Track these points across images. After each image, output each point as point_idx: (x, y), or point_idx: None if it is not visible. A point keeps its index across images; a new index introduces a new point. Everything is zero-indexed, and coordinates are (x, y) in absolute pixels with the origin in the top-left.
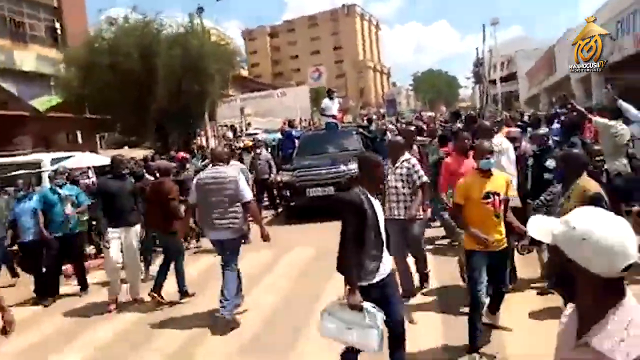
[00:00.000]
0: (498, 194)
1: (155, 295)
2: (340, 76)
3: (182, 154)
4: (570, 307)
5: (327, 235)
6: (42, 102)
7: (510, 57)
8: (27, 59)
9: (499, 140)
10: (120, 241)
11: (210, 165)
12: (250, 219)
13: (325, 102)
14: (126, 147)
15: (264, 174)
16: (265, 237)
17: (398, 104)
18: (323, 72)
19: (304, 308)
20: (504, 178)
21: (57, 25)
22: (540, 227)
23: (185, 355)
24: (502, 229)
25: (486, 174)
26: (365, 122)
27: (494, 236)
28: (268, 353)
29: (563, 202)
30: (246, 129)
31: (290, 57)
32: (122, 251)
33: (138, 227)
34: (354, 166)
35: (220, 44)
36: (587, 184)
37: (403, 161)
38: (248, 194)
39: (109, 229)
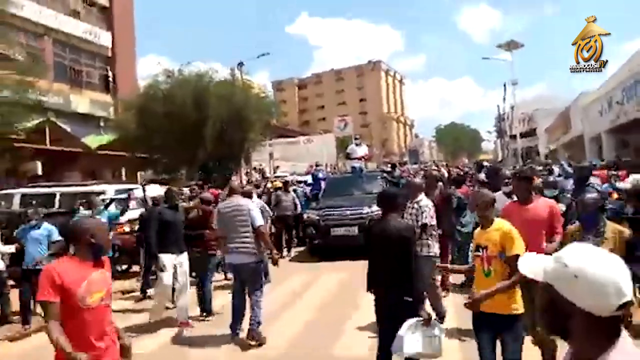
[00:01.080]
0: (485, 248)
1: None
2: (364, 126)
3: (214, 190)
4: (566, 349)
5: (348, 271)
6: (93, 140)
7: (530, 115)
8: (82, 102)
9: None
10: (175, 266)
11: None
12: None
13: (352, 147)
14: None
15: (287, 210)
16: (274, 262)
17: (421, 154)
18: (349, 122)
19: (329, 333)
20: (504, 231)
21: (110, 73)
22: (532, 264)
23: None
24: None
25: (484, 225)
26: (389, 167)
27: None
28: None
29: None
30: (274, 172)
31: (317, 108)
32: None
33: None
34: (377, 208)
35: (260, 96)
36: (617, 226)
37: (415, 202)
38: (259, 220)
39: (162, 255)
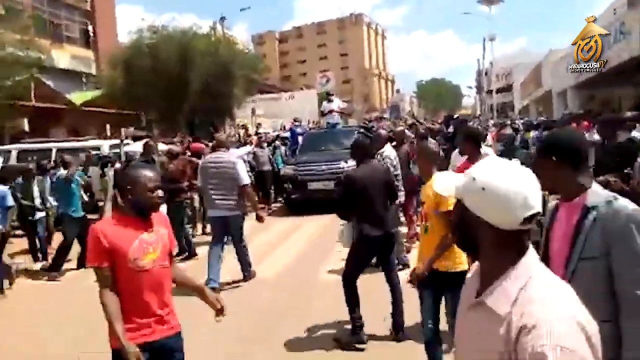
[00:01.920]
0: (424, 204)
1: None
2: (346, 82)
3: (197, 144)
4: (475, 266)
5: (328, 220)
6: (78, 97)
7: (510, 70)
8: (63, 57)
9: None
10: None
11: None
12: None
13: (324, 104)
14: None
15: (263, 165)
16: (259, 219)
17: (402, 110)
18: (331, 77)
19: (314, 263)
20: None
21: (90, 27)
22: (446, 182)
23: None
24: (433, 246)
25: (426, 180)
26: (367, 123)
27: (423, 253)
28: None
29: None
30: (257, 129)
31: (297, 62)
32: None
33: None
34: (353, 163)
35: (245, 53)
36: None
37: (379, 153)
38: (245, 179)
39: None
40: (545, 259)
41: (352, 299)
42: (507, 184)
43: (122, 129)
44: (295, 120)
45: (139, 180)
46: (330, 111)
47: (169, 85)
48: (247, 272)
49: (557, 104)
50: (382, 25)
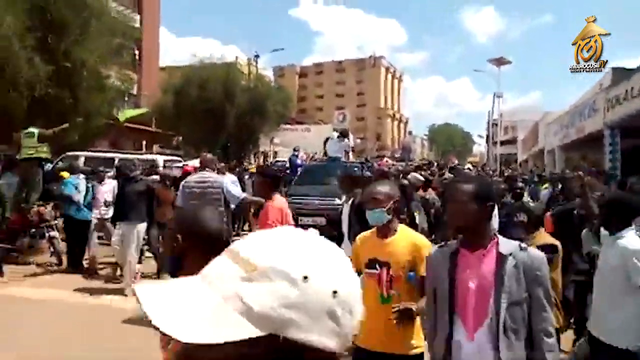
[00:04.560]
0: (388, 266)
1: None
2: (360, 119)
3: (189, 166)
4: None
5: None
6: (123, 114)
7: (515, 124)
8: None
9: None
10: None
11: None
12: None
13: (330, 142)
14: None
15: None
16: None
17: (413, 152)
18: (347, 115)
19: None
20: (416, 244)
21: (136, 52)
22: None
23: None
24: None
25: (382, 232)
26: (367, 160)
27: (375, 329)
28: None
29: None
30: (274, 157)
31: (315, 97)
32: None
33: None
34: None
35: (281, 90)
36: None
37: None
38: (239, 193)
39: (118, 223)
40: (452, 306)
41: None
42: None
43: (154, 146)
44: (294, 149)
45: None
46: (348, 150)
47: (211, 113)
48: None
49: (548, 161)
50: (400, 68)
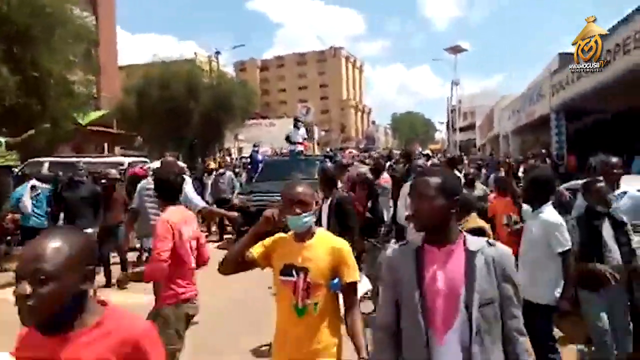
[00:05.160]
0: (306, 272)
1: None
2: (324, 112)
3: (136, 169)
4: None
5: None
6: (86, 116)
7: (474, 110)
8: None
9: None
10: None
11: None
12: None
13: (291, 129)
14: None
15: (223, 193)
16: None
17: (377, 140)
18: (311, 109)
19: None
20: (338, 248)
21: (93, 51)
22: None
23: None
24: (319, 336)
25: (300, 235)
26: (330, 152)
27: (289, 342)
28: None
29: None
30: (239, 153)
31: (278, 90)
32: None
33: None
34: None
35: (244, 86)
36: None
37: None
38: (199, 202)
39: None
40: (423, 308)
41: None
42: None
43: (116, 148)
44: (254, 145)
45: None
46: (298, 143)
47: (174, 112)
48: None
49: (502, 146)
50: (360, 58)
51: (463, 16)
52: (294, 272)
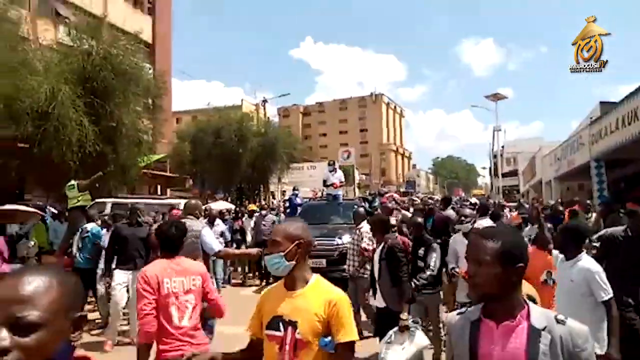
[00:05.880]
0: (295, 326)
1: None
2: (364, 156)
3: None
4: None
5: None
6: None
7: (516, 156)
8: None
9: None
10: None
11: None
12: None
13: (326, 172)
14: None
15: (265, 234)
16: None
17: (417, 185)
18: (352, 152)
19: None
20: (333, 301)
21: (150, 102)
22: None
23: None
24: None
25: (289, 283)
26: (369, 196)
27: None
28: None
29: None
30: (282, 195)
31: (319, 135)
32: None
33: None
34: (347, 239)
35: (290, 134)
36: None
37: (358, 228)
38: (215, 245)
39: (116, 271)
40: None
41: None
42: None
43: (168, 190)
44: (294, 189)
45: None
46: (334, 185)
47: (225, 157)
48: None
49: (545, 192)
50: (400, 103)
51: (501, 63)
52: (281, 326)
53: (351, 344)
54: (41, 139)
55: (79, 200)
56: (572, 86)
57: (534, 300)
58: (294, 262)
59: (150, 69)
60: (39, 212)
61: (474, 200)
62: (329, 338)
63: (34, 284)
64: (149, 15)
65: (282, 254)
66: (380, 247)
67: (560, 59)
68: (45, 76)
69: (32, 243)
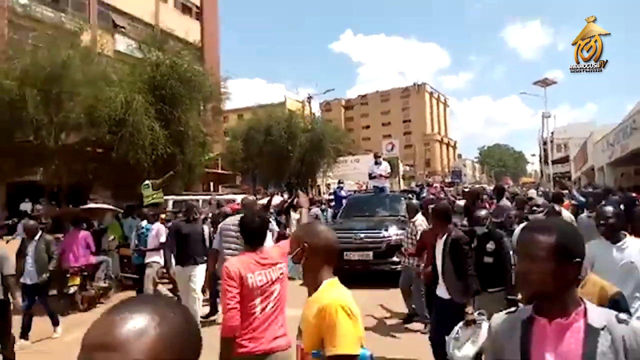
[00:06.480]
0: (301, 336)
1: None
2: (408, 146)
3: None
4: None
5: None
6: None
7: (567, 142)
8: None
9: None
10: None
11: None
12: None
13: (371, 166)
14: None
15: None
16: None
17: (464, 175)
18: (396, 145)
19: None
20: (324, 310)
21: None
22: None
23: None
24: None
25: (310, 290)
26: (417, 187)
27: None
28: None
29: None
30: (327, 188)
31: (362, 127)
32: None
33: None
34: (394, 231)
35: (337, 129)
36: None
37: (412, 221)
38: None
39: (176, 267)
40: None
41: None
42: None
43: (219, 186)
44: (339, 182)
45: None
46: (380, 176)
47: (275, 154)
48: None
49: (598, 179)
50: (444, 91)
51: (550, 43)
52: (299, 335)
53: (341, 358)
54: (118, 143)
55: (153, 198)
56: (628, 66)
57: (619, 304)
58: (300, 265)
59: (211, 75)
60: (117, 209)
61: (540, 200)
62: (317, 351)
63: (129, 323)
64: (197, 20)
65: (291, 256)
66: (443, 240)
67: (614, 36)
68: (120, 87)
69: (112, 237)
